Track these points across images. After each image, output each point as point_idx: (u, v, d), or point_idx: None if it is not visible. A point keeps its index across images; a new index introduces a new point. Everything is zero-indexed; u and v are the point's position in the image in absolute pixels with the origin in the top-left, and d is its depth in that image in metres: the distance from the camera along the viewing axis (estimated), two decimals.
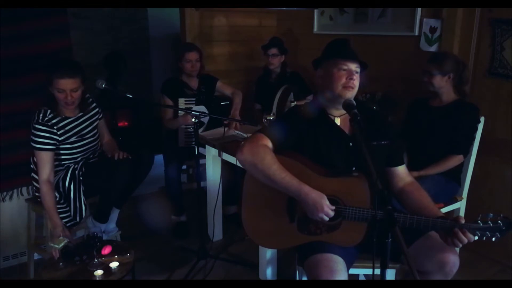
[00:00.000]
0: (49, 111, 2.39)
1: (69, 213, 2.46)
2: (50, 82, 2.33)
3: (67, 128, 2.44)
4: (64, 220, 2.46)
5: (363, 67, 1.82)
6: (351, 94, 1.78)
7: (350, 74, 1.77)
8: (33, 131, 2.35)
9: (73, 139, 2.47)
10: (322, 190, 1.70)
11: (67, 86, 2.33)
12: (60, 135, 2.41)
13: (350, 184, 1.74)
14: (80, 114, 2.53)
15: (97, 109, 2.65)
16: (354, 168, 1.80)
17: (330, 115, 1.86)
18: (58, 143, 2.41)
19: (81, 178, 2.46)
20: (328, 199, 1.69)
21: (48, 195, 2.36)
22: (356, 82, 1.79)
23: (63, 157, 2.48)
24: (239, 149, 1.79)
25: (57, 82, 2.31)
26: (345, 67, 1.78)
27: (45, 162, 2.37)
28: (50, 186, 2.37)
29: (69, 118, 2.46)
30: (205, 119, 3.32)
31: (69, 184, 2.45)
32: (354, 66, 1.78)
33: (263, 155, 1.74)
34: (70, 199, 2.45)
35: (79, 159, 2.53)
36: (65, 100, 2.36)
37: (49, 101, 2.40)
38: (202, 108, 3.22)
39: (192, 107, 3.23)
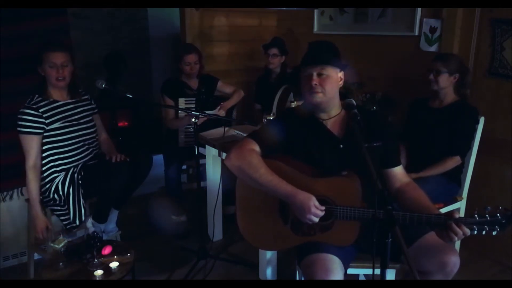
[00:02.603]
0: (37, 96, 2.40)
1: (68, 216, 2.46)
2: (41, 59, 2.35)
3: (54, 112, 2.42)
4: (65, 223, 2.47)
5: (337, 64, 1.78)
6: (319, 98, 1.77)
7: (309, 79, 1.76)
8: (19, 116, 2.35)
9: (59, 124, 2.43)
10: (312, 191, 1.69)
11: (58, 60, 2.36)
12: (45, 118, 2.38)
13: (340, 184, 1.75)
14: (72, 100, 2.52)
15: (90, 101, 2.64)
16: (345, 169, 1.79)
17: (319, 118, 1.86)
18: (45, 127, 2.39)
19: (80, 182, 2.46)
20: (318, 199, 1.69)
21: (33, 182, 2.36)
22: (322, 85, 1.75)
23: (53, 145, 2.44)
24: (227, 155, 1.82)
25: (48, 56, 2.34)
26: (306, 74, 1.78)
27: (30, 147, 2.36)
28: (37, 172, 2.37)
29: (57, 102, 2.45)
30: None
31: (68, 188, 2.44)
32: (316, 70, 1.76)
33: (250, 159, 1.75)
34: (70, 202, 2.45)
35: (73, 152, 2.50)
36: (56, 75, 2.37)
37: (39, 85, 2.41)
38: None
39: (192, 107, 3.23)
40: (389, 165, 1.88)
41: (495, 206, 1.58)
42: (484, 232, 1.55)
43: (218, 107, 3.25)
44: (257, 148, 1.80)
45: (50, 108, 2.42)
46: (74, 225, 2.46)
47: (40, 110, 2.37)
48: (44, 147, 2.43)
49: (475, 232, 1.55)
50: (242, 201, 1.88)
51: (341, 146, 1.82)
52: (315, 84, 1.75)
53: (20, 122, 2.35)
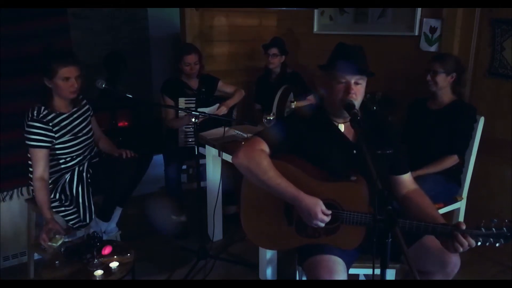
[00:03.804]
0: (43, 108, 2.36)
1: (77, 215, 2.45)
2: (54, 72, 2.31)
3: (62, 125, 2.42)
4: (72, 222, 2.46)
5: (369, 75, 1.76)
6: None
7: (348, 88, 1.71)
8: (27, 128, 2.32)
9: (67, 137, 2.44)
10: (320, 195, 1.69)
11: (73, 73, 2.35)
12: (55, 132, 2.38)
13: (348, 189, 1.73)
14: (74, 110, 2.51)
15: (88, 106, 2.65)
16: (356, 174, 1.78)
17: (334, 121, 1.84)
18: (54, 140, 2.39)
19: (89, 180, 2.46)
20: (325, 203, 1.68)
21: (41, 192, 2.33)
22: (356, 94, 1.72)
23: (58, 157, 2.46)
24: (235, 153, 1.79)
25: (63, 70, 2.31)
26: (343, 80, 1.72)
27: (39, 159, 2.33)
28: (44, 183, 2.34)
29: (63, 114, 2.44)
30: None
31: (77, 187, 2.44)
32: (354, 79, 1.72)
33: (259, 160, 1.73)
34: (79, 201, 2.44)
35: (76, 160, 2.51)
36: (71, 88, 2.35)
37: (43, 96, 2.38)
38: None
39: (192, 107, 3.23)
40: (399, 172, 1.87)
41: (501, 219, 1.58)
42: (488, 244, 1.56)
43: (217, 104, 3.24)
44: (266, 148, 1.77)
45: (58, 121, 2.41)
46: (84, 223, 2.46)
47: (50, 124, 2.36)
48: (50, 158, 2.43)
49: (479, 243, 1.56)
50: (247, 200, 1.87)
51: (354, 151, 1.80)
52: (352, 94, 1.71)
53: (29, 136, 2.32)
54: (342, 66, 1.72)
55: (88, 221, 2.46)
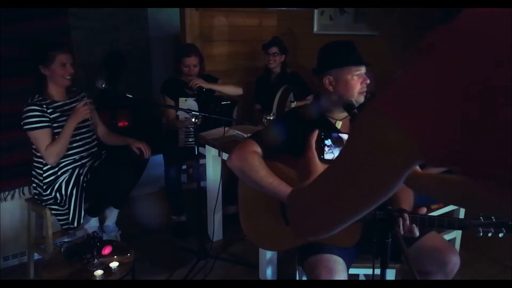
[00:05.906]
0: (37, 95, 2.41)
1: (66, 217, 2.46)
2: (51, 59, 2.38)
3: (57, 110, 2.45)
4: (61, 222, 2.47)
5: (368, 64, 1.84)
6: (363, 98, 1.80)
7: (364, 79, 1.80)
8: (24, 115, 2.35)
9: (60, 123, 2.44)
10: None
11: (69, 60, 2.45)
12: (50, 114, 2.41)
13: None
14: (69, 100, 2.54)
15: (85, 98, 2.65)
16: None
17: (331, 118, 1.85)
18: (51, 123, 2.40)
19: (84, 184, 2.46)
20: None
21: (53, 147, 2.36)
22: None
23: None
24: (228, 156, 1.82)
25: (60, 56, 2.40)
26: (358, 73, 1.79)
27: (44, 139, 2.35)
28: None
29: (57, 102, 2.47)
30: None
31: (72, 189, 2.44)
32: (364, 69, 1.80)
33: (251, 161, 1.75)
34: (71, 203, 2.45)
35: (76, 156, 2.51)
36: (67, 73, 2.43)
37: (38, 85, 2.43)
38: (189, 101, 3.21)
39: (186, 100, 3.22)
40: None
41: None
42: (490, 234, 1.50)
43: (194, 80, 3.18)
44: (258, 149, 1.79)
45: (53, 107, 2.44)
46: (72, 226, 2.47)
47: (44, 106, 2.40)
48: None
49: (480, 234, 1.50)
50: (245, 201, 1.88)
51: None
52: (367, 84, 1.80)
53: (27, 120, 2.34)
54: (356, 59, 1.81)
55: (75, 225, 2.47)
